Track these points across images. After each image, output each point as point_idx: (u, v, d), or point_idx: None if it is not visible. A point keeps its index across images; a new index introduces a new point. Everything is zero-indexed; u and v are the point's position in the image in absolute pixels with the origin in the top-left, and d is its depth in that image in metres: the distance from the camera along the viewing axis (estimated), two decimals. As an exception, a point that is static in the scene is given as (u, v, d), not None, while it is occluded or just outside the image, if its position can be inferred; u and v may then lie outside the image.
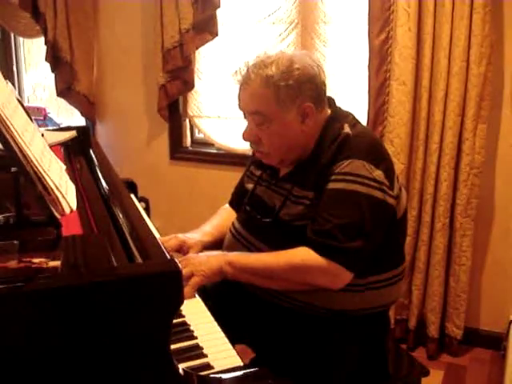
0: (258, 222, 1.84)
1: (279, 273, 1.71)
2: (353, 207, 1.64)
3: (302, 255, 1.66)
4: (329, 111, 1.81)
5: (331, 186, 1.66)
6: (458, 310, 2.86)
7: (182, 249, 1.92)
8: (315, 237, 1.65)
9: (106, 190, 1.77)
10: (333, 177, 1.66)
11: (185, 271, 1.64)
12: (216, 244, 2.00)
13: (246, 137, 1.81)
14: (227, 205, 2.14)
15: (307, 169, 1.75)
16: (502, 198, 2.83)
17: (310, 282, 1.69)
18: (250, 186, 1.97)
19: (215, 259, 1.73)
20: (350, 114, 1.83)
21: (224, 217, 2.09)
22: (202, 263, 1.72)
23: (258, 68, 1.71)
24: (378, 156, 1.70)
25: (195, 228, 2.03)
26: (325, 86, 1.78)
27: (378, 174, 1.65)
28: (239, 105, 1.79)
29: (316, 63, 1.75)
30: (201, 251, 1.93)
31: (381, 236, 1.68)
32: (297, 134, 1.74)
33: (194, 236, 1.97)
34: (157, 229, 2.07)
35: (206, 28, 3.13)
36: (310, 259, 1.65)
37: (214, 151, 3.48)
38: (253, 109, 1.76)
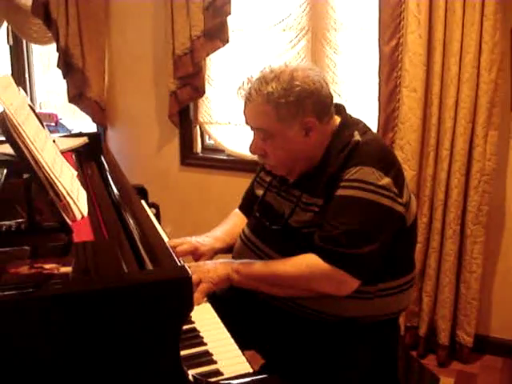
0: (267, 229, 1.84)
1: (285, 280, 1.71)
2: (360, 214, 1.64)
3: (308, 262, 1.67)
4: (338, 119, 1.80)
5: (339, 192, 1.67)
6: (468, 317, 2.84)
7: (194, 255, 1.93)
8: (322, 243, 1.65)
9: (117, 196, 1.78)
10: (342, 183, 1.67)
11: (193, 278, 1.64)
12: (228, 250, 2.01)
13: (252, 150, 1.82)
14: (237, 209, 2.14)
15: (317, 176, 1.75)
16: (513, 204, 2.82)
17: (316, 289, 1.69)
18: (259, 192, 1.97)
19: (223, 266, 1.75)
20: (361, 121, 1.83)
21: (235, 222, 2.09)
22: (210, 270, 1.73)
23: (259, 85, 1.71)
24: (387, 163, 1.70)
25: (205, 234, 2.04)
26: (330, 97, 1.76)
27: (387, 181, 1.65)
28: (245, 120, 1.80)
29: (319, 76, 1.73)
30: (212, 258, 1.94)
31: (389, 244, 1.68)
32: (301, 147, 1.74)
33: (207, 241, 1.97)
34: (167, 235, 2.07)
35: (216, 35, 3.13)
36: (315, 266, 1.65)
37: (225, 157, 3.48)
38: (256, 125, 1.77)
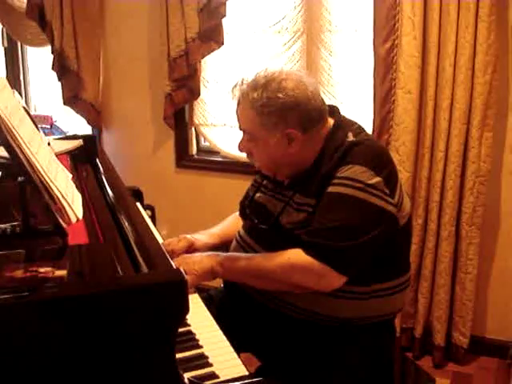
0: (261, 230, 1.84)
1: (267, 272, 1.71)
2: (347, 211, 1.64)
3: (290, 255, 1.67)
4: (332, 121, 1.80)
5: (330, 189, 1.67)
6: (464, 319, 2.85)
7: (189, 250, 1.94)
8: (305, 236, 1.66)
9: (112, 199, 1.78)
10: (333, 180, 1.67)
11: None
12: (222, 247, 2.02)
13: (240, 148, 1.86)
14: (237, 213, 2.14)
15: (310, 177, 1.75)
16: (507, 205, 2.83)
17: (297, 282, 1.68)
18: (255, 194, 1.98)
19: (208, 259, 1.76)
20: (355, 122, 1.83)
21: (232, 222, 2.11)
22: (195, 263, 1.75)
23: (247, 89, 1.73)
24: (380, 163, 1.69)
25: (201, 235, 2.05)
26: (318, 110, 1.73)
27: (378, 180, 1.65)
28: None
29: (312, 87, 1.73)
30: None
31: (378, 243, 1.67)
32: (283, 154, 1.75)
33: (202, 238, 2.00)
34: (162, 237, 2.07)
35: (211, 37, 3.14)
36: (296, 258, 1.65)
37: (220, 159, 3.48)
38: (242, 126, 1.81)
